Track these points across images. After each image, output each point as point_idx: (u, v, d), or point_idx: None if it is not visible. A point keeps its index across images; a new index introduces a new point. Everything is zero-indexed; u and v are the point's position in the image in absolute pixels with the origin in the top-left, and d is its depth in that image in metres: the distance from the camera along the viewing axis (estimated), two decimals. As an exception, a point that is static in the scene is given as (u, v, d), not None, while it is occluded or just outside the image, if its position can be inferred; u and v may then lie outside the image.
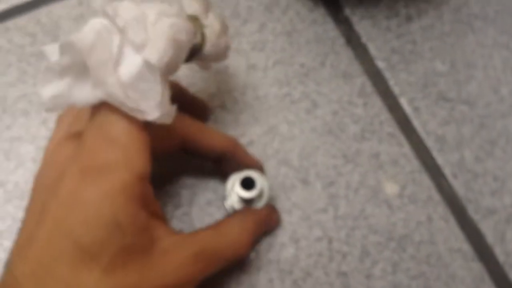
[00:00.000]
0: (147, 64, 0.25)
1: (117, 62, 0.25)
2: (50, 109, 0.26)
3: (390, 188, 0.37)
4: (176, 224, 0.35)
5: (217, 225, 0.31)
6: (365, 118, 0.39)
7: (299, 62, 0.40)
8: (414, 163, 0.38)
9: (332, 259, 0.35)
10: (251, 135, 0.38)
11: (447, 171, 0.38)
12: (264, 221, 0.34)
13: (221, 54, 0.32)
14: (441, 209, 0.37)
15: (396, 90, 0.40)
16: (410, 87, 0.40)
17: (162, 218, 0.29)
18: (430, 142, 0.39)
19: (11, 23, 0.40)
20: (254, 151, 0.38)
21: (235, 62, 0.40)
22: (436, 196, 0.37)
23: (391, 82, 0.40)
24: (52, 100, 0.26)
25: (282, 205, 0.36)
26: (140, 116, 0.26)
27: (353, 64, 0.40)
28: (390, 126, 0.39)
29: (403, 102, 0.40)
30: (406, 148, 0.38)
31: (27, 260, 0.25)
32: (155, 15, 0.26)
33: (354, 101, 0.39)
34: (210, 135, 0.33)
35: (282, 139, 0.38)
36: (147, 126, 0.27)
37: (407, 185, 0.37)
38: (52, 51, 0.26)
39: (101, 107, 0.26)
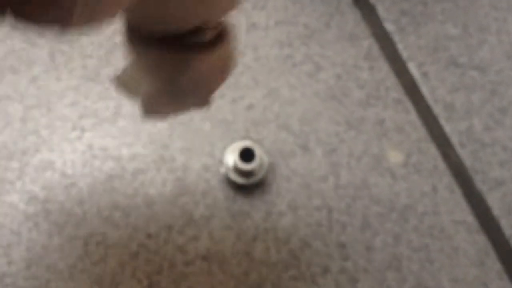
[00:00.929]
0: None
1: None
2: None
3: (394, 157, 0.36)
4: (171, 189, 0.34)
5: None
6: (370, 83, 0.37)
7: (302, 22, 0.38)
8: (420, 131, 0.36)
9: (332, 230, 0.34)
10: (250, 98, 0.36)
11: (455, 140, 0.36)
12: None
13: None
14: (446, 179, 0.35)
15: (404, 54, 0.38)
16: (419, 51, 0.38)
17: None
18: (438, 110, 0.37)
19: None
20: (254, 115, 0.36)
21: (234, 21, 0.38)
22: (442, 165, 0.36)
23: (400, 46, 0.38)
24: None
25: (281, 172, 0.35)
26: None
27: (360, 25, 0.38)
28: (396, 92, 0.37)
29: (412, 66, 0.38)
30: (413, 115, 0.37)
31: None
32: None
33: (360, 65, 0.37)
34: None
35: (282, 103, 0.36)
36: None
37: (412, 154, 0.36)
38: None
39: None
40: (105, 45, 0.37)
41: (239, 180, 0.33)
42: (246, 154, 0.32)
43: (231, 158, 0.32)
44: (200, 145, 0.35)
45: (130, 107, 0.36)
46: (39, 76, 0.36)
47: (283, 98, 0.36)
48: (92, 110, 0.35)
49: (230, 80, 0.37)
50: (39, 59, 0.36)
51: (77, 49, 0.37)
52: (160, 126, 0.35)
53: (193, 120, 0.36)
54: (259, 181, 0.33)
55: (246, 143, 0.32)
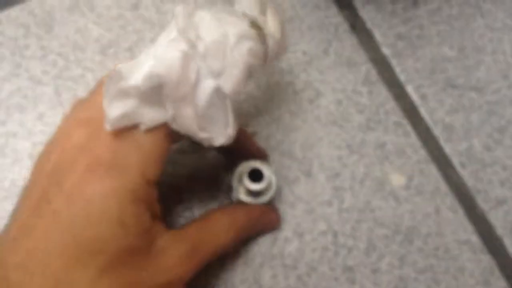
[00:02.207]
0: (219, 92, 0.25)
1: (193, 92, 0.25)
2: (113, 126, 0.25)
3: (397, 180, 0.36)
4: (177, 220, 0.35)
5: (206, 218, 0.31)
6: (370, 107, 0.38)
7: (301, 49, 0.39)
8: (421, 153, 0.37)
9: (338, 254, 0.34)
10: (253, 126, 0.37)
11: (455, 161, 0.37)
12: (256, 219, 0.33)
13: (281, 52, 0.30)
14: (449, 200, 0.36)
15: (402, 77, 0.39)
16: (417, 74, 0.39)
17: (160, 217, 0.29)
18: (437, 131, 0.37)
19: (2, 15, 0.39)
20: (257, 143, 0.36)
21: (235, 51, 0.39)
22: (444, 186, 0.36)
23: (397, 69, 0.39)
24: (118, 119, 0.25)
25: (286, 198, 0.35)
26: (206, 143, 0.27)
27: (358, 51, 0.39)
28: (396, 115, 0.38)
29: (410, 89, 0.38)
30: (413, 138, 0.37)
31: (20, 250, 0.24)
32: (236, 38, 0.26)
33: (359, 90, 0.38)
34: None
35: (285, 130, 0.37)
36: (171, 134, 0.27)
37: (414, 176, 0.36)
38: (128, 71, 0.25)
39: None
40: (109, 79, 0.38)
41: (249, 200, 0.33)
42: (255, 175, 0.33)
43: (240, 179, 0.32)
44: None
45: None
46: (46, 113, 0.37)
47: (285, 125, 0.37)
48: (98, 144, 0.36)
49: (233, 109, 0.37)
50: (44, 96, 0.37)
51: (82, 85, 0.37)
52: (166, 158, 0.36)
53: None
54: (269, 200, 0.33)
55: (255, 164, 0.33)
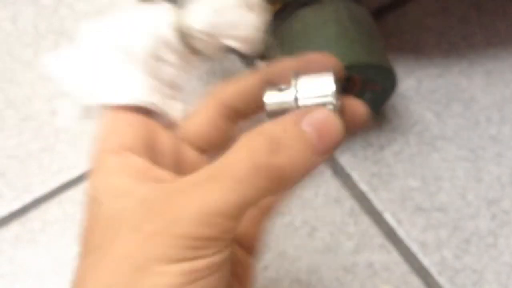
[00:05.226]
0: None
1: None
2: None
3: (387, 291, 0.44)
4: None
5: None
6: (357, 234, 0.47)
7: (296, 195, 0.49)
8: (403, 267, 0.45)
9: None
10: (264, 261, 0.46)
11: (433, 270, 0.45)
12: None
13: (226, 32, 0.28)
14: (433, 304, 0.44)
15: (379, 207, 0.48)
16: (390, 203, 0.48)
17: None
18: (414, 248, 0.46)
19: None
20: (269, 275, 0.45)
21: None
22: (427, 293, 0.44)
23: (375, 201, 0.48)
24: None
25: (298, 318, 0.43)
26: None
27: (341, 190, 0.49)
28: (379, 238, 0.47)
29: (387, 216, 0.48)
30: (395, 255, 0.46)
31: None
32: None
33: (346, 221, 0.48)
34: None
35: (291, 261, 0.46)
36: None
37: (400, 287, 0.44)
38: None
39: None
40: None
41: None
42: None
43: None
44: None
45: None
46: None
47: (291, 257, 0.46)
48: None
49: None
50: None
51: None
52: None
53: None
54: None
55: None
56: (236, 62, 0.56)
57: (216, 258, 0.22)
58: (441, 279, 0.45)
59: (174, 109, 0.28)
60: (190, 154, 0.28)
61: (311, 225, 0.48)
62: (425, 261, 0.46)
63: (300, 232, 0.47)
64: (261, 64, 0.44)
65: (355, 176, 0.50)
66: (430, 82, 0.55)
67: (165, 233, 0.21)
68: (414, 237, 0.47)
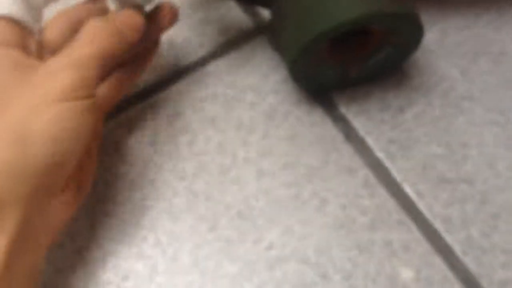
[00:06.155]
0: None
1: None
2: None
3: (406, 274, 0.39)
4: None
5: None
6: (372, 209, 0.42)
7: (304, 163, 0.43)
8: (425, 246, 0.40)
9: None
10: (269, 238, 0.41)
11: (457, 250, 0.40)
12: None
13: None
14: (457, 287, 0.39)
15: (398, 177, 0.43)
16: (410, 173, 0.43)
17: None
18: (437, 224, 0.41)
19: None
20: (274, 254, 0.40)
21: (245, 171, 0.43)
22: (450, 275, 0.39)
23: (392, 171, 0.43)
24: None
25: (306, 303, 0.39)
26: None
27: (354, 158, 0.43)
28: (397, 214, 0.41)
29: (407, 188, 0.42)
30: (416, 233, 0.41)
31: None
32: None
33: (360, 193, 0.42)
34: None
35: (297, 238, 0.41)
36: None
37: (421, 269, 0.39)
38: None
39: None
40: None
41: None
42: None
43: None
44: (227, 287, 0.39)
45: (165, 265, 0.40)
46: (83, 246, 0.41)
47: (297, 234, 0.41)
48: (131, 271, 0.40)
49: (249, 224, 0.41)
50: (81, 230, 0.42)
51: (115, 216, 0.42)
52: (191, 278, 0.40)
53: (220, 264, 0.40)
54: None
55: None
56: (233, 9, 0.49)
57: (86, 102, 0.32)
58: (466, 259, 0.40)
59: (37, 20, 0.35)
60: (47, 57, 0.36)
61: (320, 198, 0.42)
62: (449, 239, 0.40)
63: (308, 205, 0.42)
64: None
65: (370, 141, 0.44)
66: (455, 35, 0.48)
67: (49, 79, 0.32)
68: (437, 212, 0.41)
